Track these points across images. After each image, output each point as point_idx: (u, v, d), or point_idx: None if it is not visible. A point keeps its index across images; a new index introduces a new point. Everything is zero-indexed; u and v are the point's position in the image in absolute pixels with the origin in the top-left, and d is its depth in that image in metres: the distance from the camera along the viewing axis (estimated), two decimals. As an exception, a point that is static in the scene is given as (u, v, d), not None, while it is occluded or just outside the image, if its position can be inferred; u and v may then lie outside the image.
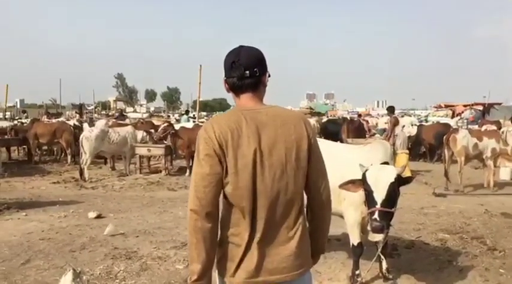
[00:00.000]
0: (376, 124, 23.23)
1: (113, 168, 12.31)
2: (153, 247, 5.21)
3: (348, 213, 4.08)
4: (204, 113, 42.01)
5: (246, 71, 1.82)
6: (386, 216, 3.35)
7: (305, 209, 1.95)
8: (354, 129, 13.64)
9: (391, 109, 11.52)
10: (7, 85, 22.52)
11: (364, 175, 3.51)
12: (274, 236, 1.80)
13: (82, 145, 10.78)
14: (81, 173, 10.69)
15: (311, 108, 41.53)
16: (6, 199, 7.92)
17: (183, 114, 24.93)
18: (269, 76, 1.93)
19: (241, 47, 1.88)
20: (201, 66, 12.90)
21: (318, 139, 2.08)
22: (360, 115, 21.88)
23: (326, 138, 12.89)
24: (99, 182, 10.52)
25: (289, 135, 1.79)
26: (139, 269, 4.50)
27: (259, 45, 1.91)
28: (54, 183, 10.34)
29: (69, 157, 13.45)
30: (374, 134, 17.81)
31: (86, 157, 10.73)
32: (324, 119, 23.43)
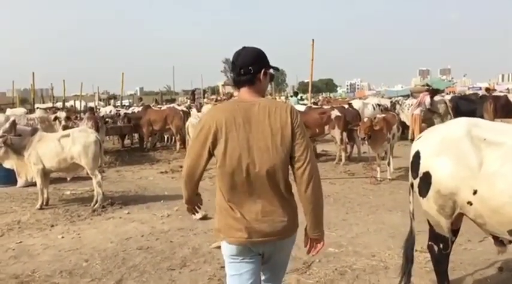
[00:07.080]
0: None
1: (221, 156, 11.59)
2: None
3: None
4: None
5: (241, 69, 2.22)
6: None
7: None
8: (501, 107, 11.01)
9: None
10: (123, 74, 23.43)
11: None
12: (263, 207, 2.16)
13: (188, 133, 10.16)
14: (188, 162, 10.07)
15: (427, 85, 37.25)
16: (113, 192, 7.51)
17: (291, 96, 23.85)
18: (276, 69, 2.33)
19: (243, 48, 2.28)
20: (313, 40, 11.53)
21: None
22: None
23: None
24: (206, 172, 9.64)
25: (275, 123, 2.14)
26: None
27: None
28: (161, 172, 9.84)
29: (178, 144, 13.11)
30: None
31: (192, 145, 10.07)
32: (446, 96, 20.23)
